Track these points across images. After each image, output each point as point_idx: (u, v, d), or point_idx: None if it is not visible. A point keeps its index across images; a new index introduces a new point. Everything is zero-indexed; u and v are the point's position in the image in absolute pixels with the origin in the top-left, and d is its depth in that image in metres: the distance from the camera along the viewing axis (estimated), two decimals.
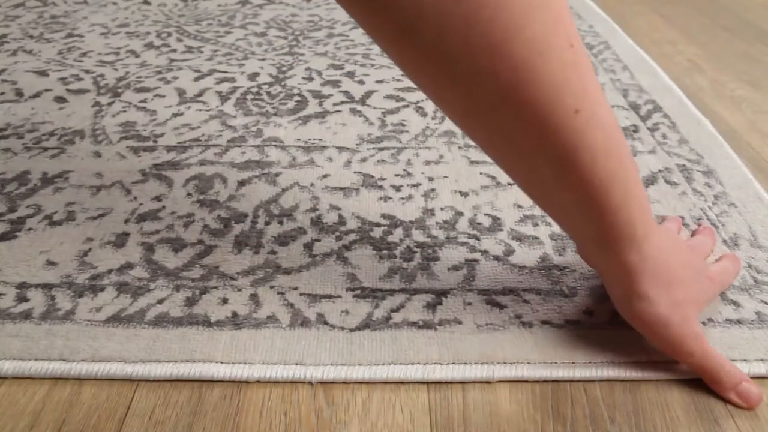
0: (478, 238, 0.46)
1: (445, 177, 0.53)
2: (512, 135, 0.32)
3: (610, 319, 0.39)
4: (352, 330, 0.39)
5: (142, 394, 0.35)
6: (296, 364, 0.37)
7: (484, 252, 0.45)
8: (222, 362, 0.37)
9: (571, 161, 0.31)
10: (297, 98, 0.66)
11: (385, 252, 0.45)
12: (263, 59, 0.76)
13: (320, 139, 0.59)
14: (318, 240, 0.46)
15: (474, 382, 0.36)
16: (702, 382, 0.35)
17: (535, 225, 0.47)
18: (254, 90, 0.68)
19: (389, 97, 0.67)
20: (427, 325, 0.39)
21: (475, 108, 0.31)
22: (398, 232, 0.47)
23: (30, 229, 0.47)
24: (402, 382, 0.36)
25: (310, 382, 0.36)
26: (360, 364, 0.37)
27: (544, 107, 0.30)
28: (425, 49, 0.29)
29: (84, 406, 0.35)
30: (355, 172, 0.54)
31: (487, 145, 0.34)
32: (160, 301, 0.41)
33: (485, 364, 0.36)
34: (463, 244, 0.46)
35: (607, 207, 0.33)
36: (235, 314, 0.40)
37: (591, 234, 0.35)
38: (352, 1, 0.30)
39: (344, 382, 0.36)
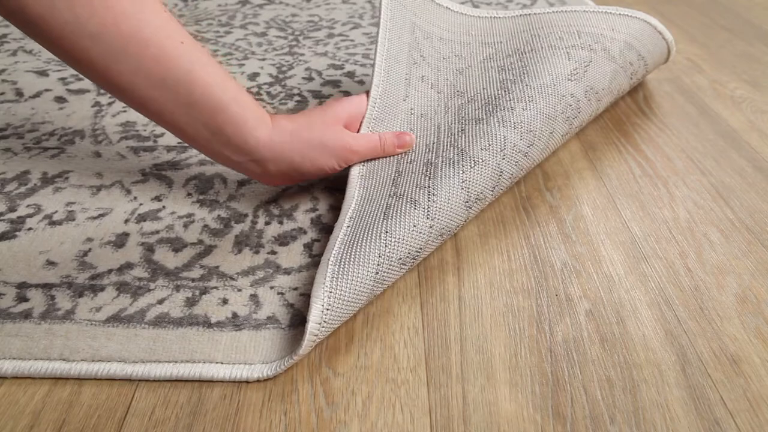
0: None
1: None
2: (144, 77, 0.39)
3: None
4: None
5: (142, 394, 0.35)
6: (291, 353, 0.37)
7: None
8: (222, 363, 0.37)
9: (191, 79, 0.40)
10: (297, 98, 0.66)
11: None
12: (263, 59, 0.76)
13: None
14: (318, 240, 0.46)
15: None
16: (701, 379, 0.36)
17: None
18: (254, 90, 0.68)
19: None
20: None
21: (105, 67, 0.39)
22: None
23: (30, 228, 0.47)
24: (401, 378, 0.36)
25: (310, 382, 0.36)
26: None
27: (159, 44, 0.39)
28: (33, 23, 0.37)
29: (84, 406, 0.35)
30: None
31: (131, 99, 0.41)
32: (160, 302, 0.41)
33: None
34: None
35: (223, 106, 0.42)
36: (235, 315, 0.40)
37: (223, 135, 0.43)
38: None
39: (343, 375, 0.36)
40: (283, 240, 0.46)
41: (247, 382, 0.36)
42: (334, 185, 0.52)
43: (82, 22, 0.37)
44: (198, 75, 0.41)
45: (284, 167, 0.45)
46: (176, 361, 0.37)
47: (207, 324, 0.39)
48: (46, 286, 0.42)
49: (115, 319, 0.39)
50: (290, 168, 0.45)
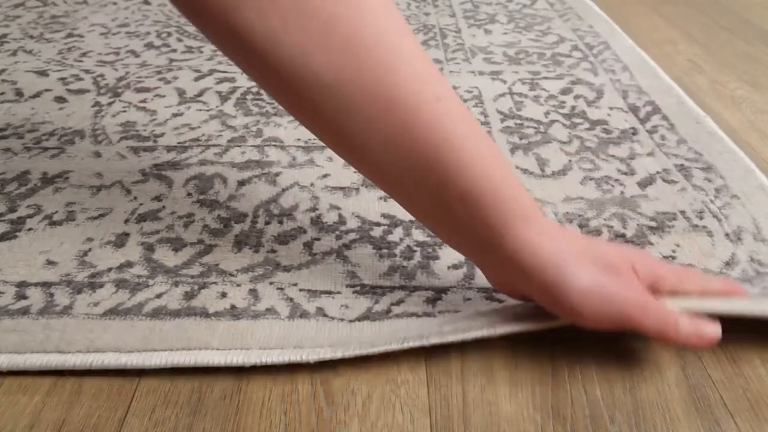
0: None
1: None
2: (380, 142, 0.31)
3: None
4: (351, 321, 0.39)
5: (142, 394, 0.35)
6: (294, 347, 0.36)
7: None
8: (219, 349, 0.36)
9: (444, 153, 0.31)
10: None
11: (385, 251, 0.45)
12: None
13: None
14: (318, 239, 0.46)
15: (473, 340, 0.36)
16: (701, 379, 0.36)
17: None
18: (254, 90, 0.68)
19: None
20: (427, 314, 0.39)
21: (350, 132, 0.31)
22: (398, 232, 0.47)
23: (30, 229, 0.47)
24: (401, 378, 0.36)
25: (310, 382, 0.36)
26: (358, 346, 0.36)
27: (409, 102, 0.30)
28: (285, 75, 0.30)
29: (84, 406, 0.35)
30: (355, 172, 0.54)
31: (375, 174, 0.34)
32: (159, 296, 0.41)
33: (485, 328, 0.36)
34: None
35: (479, 192, 0.32)
36: (233, 306, 0.40)
37: (469, 226, 0.33)
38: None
39: (343, 375, 0.36)
40: (283, 239, 0.46)
41: (247, 382, 0.36)
42: (334, 184, 0.52)
43: (308, 59, 0.28)
44: (453, 149, 0.31)
45: (539, 287, 0.34)
46: (173, 350, 0.36)
47: (205, 314, 0.39)
48: (46, 284, 0.42)
49: (113, 312, 0.39)
50: (544, 291, 0.33)
